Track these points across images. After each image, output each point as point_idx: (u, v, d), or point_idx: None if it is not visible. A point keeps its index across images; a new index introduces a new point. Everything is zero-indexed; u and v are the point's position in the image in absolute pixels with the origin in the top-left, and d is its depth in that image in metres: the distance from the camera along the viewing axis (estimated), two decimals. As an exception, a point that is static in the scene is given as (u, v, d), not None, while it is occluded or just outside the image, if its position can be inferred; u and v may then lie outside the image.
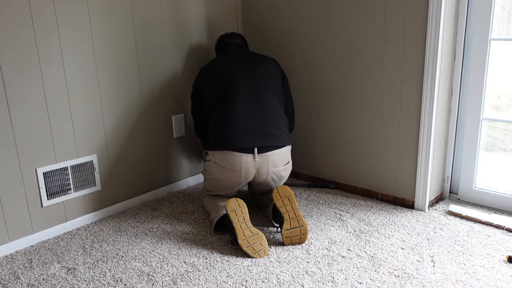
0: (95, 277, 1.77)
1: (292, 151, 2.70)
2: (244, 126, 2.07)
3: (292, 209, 1.99)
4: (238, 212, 1.94)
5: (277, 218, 2.13)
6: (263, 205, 2.27)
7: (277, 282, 1.71)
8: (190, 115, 2.64)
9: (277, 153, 2.09)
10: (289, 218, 1.97)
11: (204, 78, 2.25)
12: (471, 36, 2.19)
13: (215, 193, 2.24)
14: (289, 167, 2.21)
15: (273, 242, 2.01)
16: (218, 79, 2.19)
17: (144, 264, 1.86)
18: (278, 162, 2.11)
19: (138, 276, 1.78)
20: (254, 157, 2.05)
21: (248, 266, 1.82)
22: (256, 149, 2.04)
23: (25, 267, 1.86)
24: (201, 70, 2.30)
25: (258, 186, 2.21)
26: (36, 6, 1.91)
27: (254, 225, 2.17)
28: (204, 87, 2.24)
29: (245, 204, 1.99)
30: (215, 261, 1.87)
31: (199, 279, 1.74)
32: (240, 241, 1.87)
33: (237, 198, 1.99)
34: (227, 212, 1.94)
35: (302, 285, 1.68)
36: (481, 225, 2.12)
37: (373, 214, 2.27)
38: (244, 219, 1.94)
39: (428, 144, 2.20)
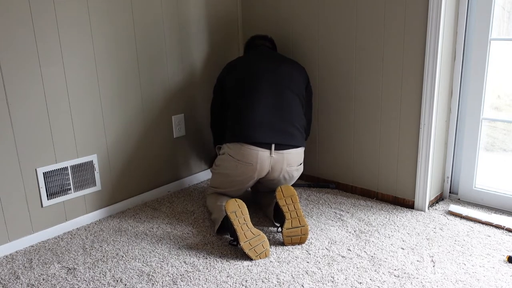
0: (95, 277, 1.77)
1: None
2: (263, 120, 2.08)
3: (294, 208, 1.99)
4: (239, 213, 1.93)
5: (278, 217, 2.12)
6: (265, 204, 2.27)
7: (277, 282, 1.71)
8: (190, 115, 2.64)
9: (293, 152, 2.10)
10: (291, 217, 1.97)
11: (230, 72, 2.27)
12: (471, 36, 2.19)
13: (223, 190, 2.22)
14: (301, 168, 2.22)
15: (273, 242, 2.01)
16: (243, 73, 2.21)
17: (144, 264, 1.86)
18: (293, 161, 2.11)
19: (138, 276, 1.78)
20: (270, 153, 2.05)
21: (248, 266, 1.82)
22: (273, 146, 2.05)
23: (25, 267, 1.86)
24: (228, 64, 2.32)
25: (267, 183, 2.20)
26: (36, 6, 1.91)
27: (254, 225, 2.17)
28: (228, 81, 2.25)
29: (245, 205, 1.98)
30: (215, 261, 1.87)
31: (199, 279, 1.74)
32: (242, 243, 1.85)
33: (236, 199, 1.98)
34: (227, 213, 1.93)
35: (302, 285, 1.68)
36: (481, 225, 2.12)
37: (373, 214, 2.27)
38: (245, 220, 1.92)
39: (428, 144, 2.20)
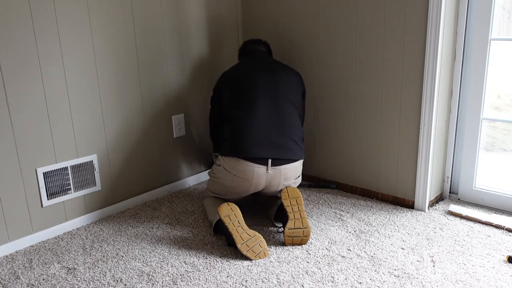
0: (95, 277, 1.77)
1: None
2: (260, 134, 2.03)
3: (298, 210, 1.99)
4: (232, 216, 1.92)
5: (279, 219, 2.12)
6: (267, 205, 2.27)
7: (277, 282, 1.71)
8: (190, 115, 2.64)
9: (290, 167, 2.06)
10: (294, 218, 1.97)
11: (226, 82, 2.22)
12: (471, 36, 2.19)
13: (220, 196, 2.21)
14: (299, 180, 2.19)
15: (273, 242, 2.01)
16: (239, 84, 2.16)
17: (144, 264, 1.86)
18: (290, 175, 2.08)
19: (138, 276, 1.78)
20: (267, 169, 2.01)
21: (248, 266, 1.82)
22: (270, 161, 2.01)
23: (25, 267, 1.86)
24: (223, 75, 2.28)
25: (265, 194, 2.19)
26: (36, 6, 1.91)
27: (253, 225, 2.17)
28: (225, 91, 2.21)
29: (238, 208, 1.96)
30: (215, 261, 1.87)
31: (199, 279, 1.74)
32: (239, 246, 1.85)
33: (229, 203, 1.97)
34: (220, 218, 1.92)
35: (302, 285, 1.68)
36: (481, 225, 2.12)
37: (373, 214, 2.27)
38: (239, 222, 1.91)
39: (428, 144, 2.20)
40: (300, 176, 2.19)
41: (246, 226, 1.93)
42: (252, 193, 2.16)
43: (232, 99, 2.16)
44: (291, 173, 2.08)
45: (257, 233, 1.92)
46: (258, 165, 2.00)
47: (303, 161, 2.72)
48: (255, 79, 2.15)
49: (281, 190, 2.11)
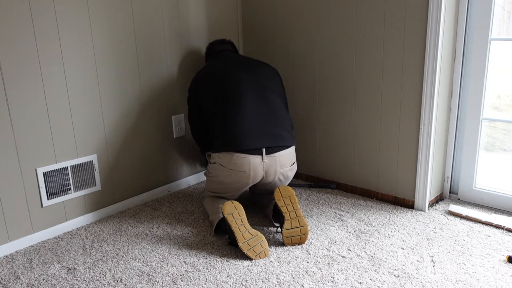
0: (95, 277, 1.77)
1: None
2: (251, 126, 2.05)
3: (294, 209, 1.99)
4: (235, 215, 1.92)
5: (277, 217, 2.12)
6: (264, 205, 2.27)
7: (277, 282, 1.71)
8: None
9: (284, 153, 2.08)
10: (290, 218, 1.97)
11: (204, 81, 2.22)
12: (471, 36, 2.19)
13: (219, 194, 2.21)
14: (295, 167, 2.20)
15: (273, 242, 2.01)
16: (219, 81, 2.16)
17: (144, 264, 1.86)
18: (285, 162, 2.10)
19: (138, 276, 1.78)
20: (262, 159, 2.03)
21: (248, 266, 1.82)
22: (264, 150, 2.03)
23: (25, 267, 1.86)
24: (198, 74, 2.27)
25: (263, 186, 2.19)
26: (36, 6, 1.91)
27: (253, 225, 2.17)
28: (204, 90, 2.20)
29: (241, 206, 1.97)
30: (215, 261, 1.87)
31: (199, 279, 1.74)
32: (240, 244, 1.85)
33: (233, 201, 1.97)
34: (223, 215, 1.92)
35: (302, 285, 1.68)
36: (481, 225, 2.12)
37: (373, 214, 2.27)
38: (242, 221, 1.92)
39: (428, 144, 2.20)
40: (296, 163, 2.20)
41: (249, 225, 1.94)
42: (251, 186, 2.17)
43: (213, 96, 2.15)
44: (286, 159, 2.10)
45: (259, 233, 1.92)
46: (253, 156, 2.02)
47: (303, 162, 2.73)
48: (239, 75, 2.16)
49: (279, 180, 2.13)
